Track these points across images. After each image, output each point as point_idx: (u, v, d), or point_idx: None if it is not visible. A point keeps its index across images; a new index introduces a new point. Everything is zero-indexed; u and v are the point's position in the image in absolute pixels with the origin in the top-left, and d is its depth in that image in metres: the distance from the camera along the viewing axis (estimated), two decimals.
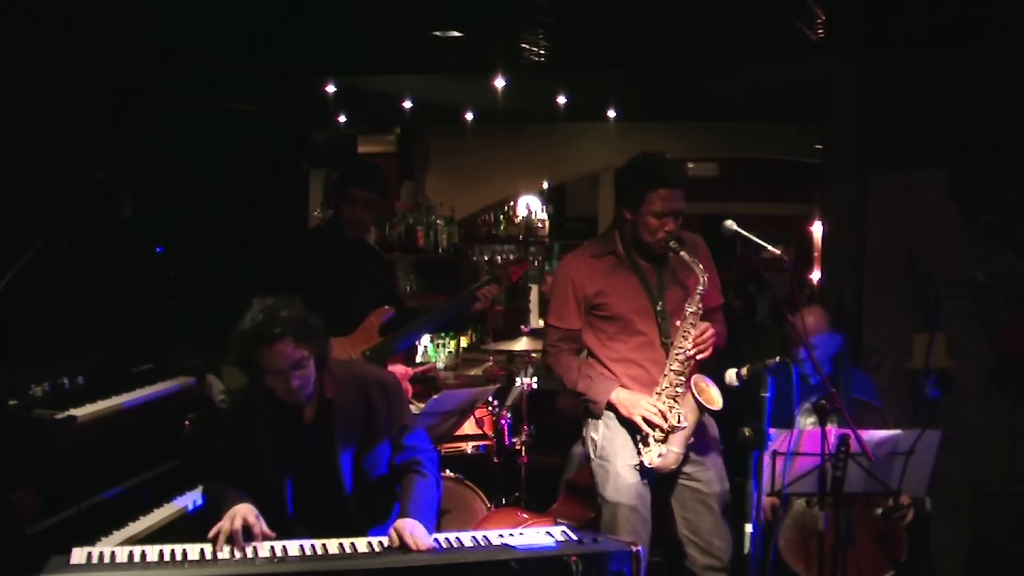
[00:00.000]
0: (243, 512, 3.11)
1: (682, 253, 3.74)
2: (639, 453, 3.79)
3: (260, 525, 3.11)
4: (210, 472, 3.44)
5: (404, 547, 3.06)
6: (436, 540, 3.18)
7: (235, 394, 3.52)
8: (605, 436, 3.88)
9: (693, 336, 3.74)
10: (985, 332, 5.15)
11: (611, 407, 3.84)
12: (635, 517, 3.79)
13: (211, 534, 3.06)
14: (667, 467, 3.79)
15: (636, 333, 3.85)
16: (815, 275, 8.15)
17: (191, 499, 3.97)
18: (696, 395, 3.69)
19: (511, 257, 9.01)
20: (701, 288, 3.75)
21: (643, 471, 3.81)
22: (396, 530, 3.12)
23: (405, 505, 3.27)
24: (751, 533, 3.45)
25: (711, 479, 3.88)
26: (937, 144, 5.16)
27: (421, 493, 3.32)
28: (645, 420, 3.75)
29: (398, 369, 4.89)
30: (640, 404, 3.76)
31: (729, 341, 4.06)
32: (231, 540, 3.05)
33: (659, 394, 3.77)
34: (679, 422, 3.73)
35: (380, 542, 3.15)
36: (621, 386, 3.83)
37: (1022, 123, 5.02)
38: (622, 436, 3.84)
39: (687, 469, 3.86)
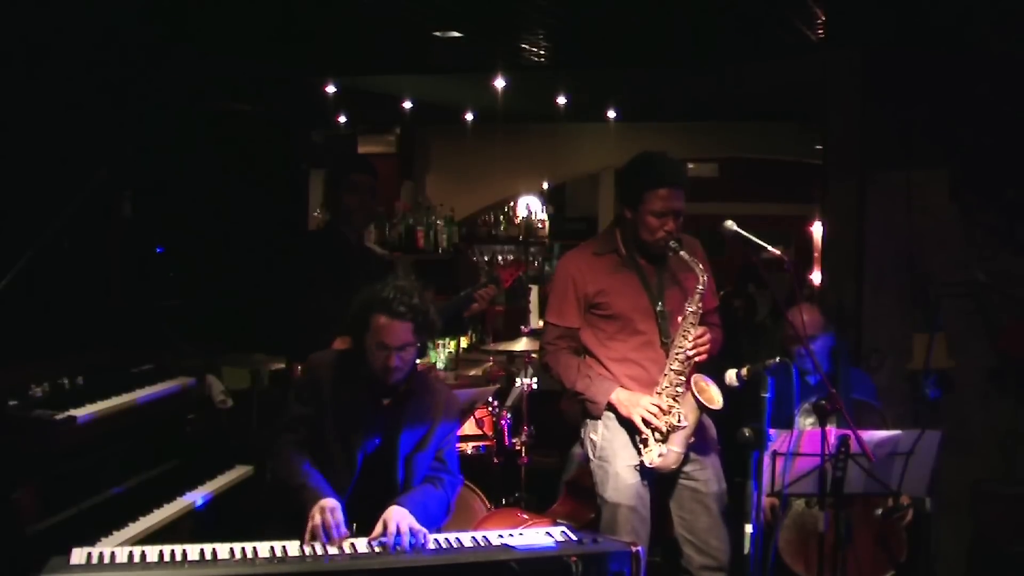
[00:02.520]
0: (331, 506, 3.18)
1: (682, 253, 3.74)
2: (639, 453, 3.79)
3: (342, 525, 3.19)
4: (282, 434, 3.47)
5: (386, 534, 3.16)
6: (436, 540, 3.19)
7: (320, 359, 3.56)
8: (604, 437, 3.87)
9: (693, 336, 3.74)
10: (985, 332, 5.15)
11: (611, 407, 3.84)
12: (635, 517, 3.79)
13: (308, 532, 3.13)
14: (668, 467, 3.79)
15: (636, 333, 3.84)
16: (815, 275, 8.15)
17: (191, 499, 3.97)
18: (696, 394, 3.69)
19: (509, 258, 9.01)
20: (701, 288, 3.74)
21: (643, 471, 3.80)
22: (383, 518, 3.21)
23: (404, 497, 3.33)
24: (751, 533, 3.45)
25: (709, 479, 3.87)
26: (937, 144, 5.16)
27: (427, 497, 3.40)
28: (644, 420, 3.75)
29: None
30: (640, 404, 3.75)
31: (728, 342, 4.06)
32: (320, 533, 3.13)
33: (659, 393, 3.76)
34: (679, 422, 3.73)
35: (380, 541, 3.15)
36: (621, 386, 3.83)
37: (1022, 123, 5.02)
38: (622, 437, 3.84)
39: (686, 468, 3.85)
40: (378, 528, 3.20)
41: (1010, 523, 4.96)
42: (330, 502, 3.21)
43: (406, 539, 3.13)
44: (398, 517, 3.19)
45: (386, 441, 3.46)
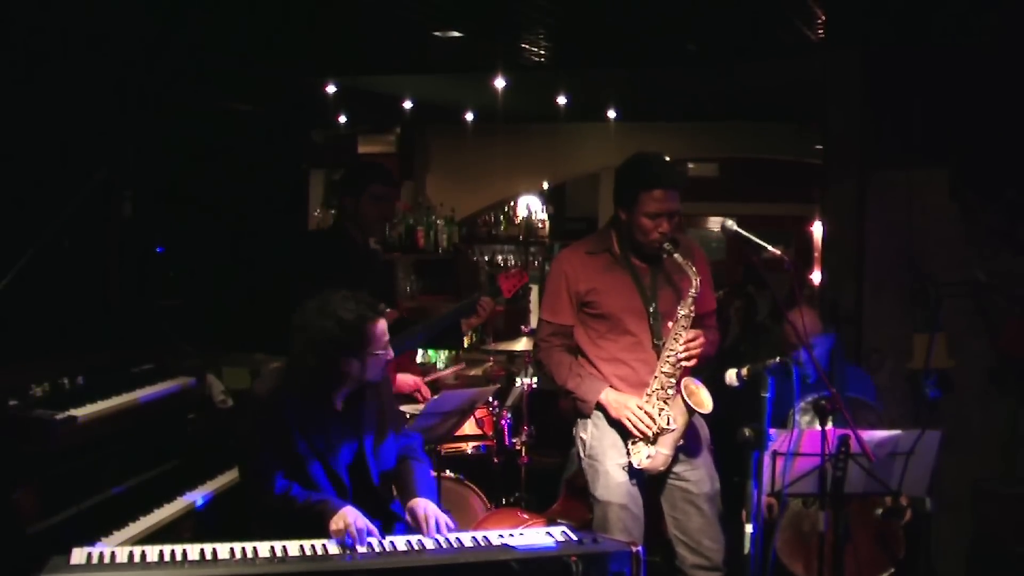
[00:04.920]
0: (354, 515, 3.18)
1: (676, 255, 3.73)
2: (628, 454, 3.79)
3: (370, 525, 3.21)
4: (258, 468, 3.40)
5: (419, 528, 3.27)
6: (436, 540, 3.20)
7: (265, 390, 3.51)
8: (594, 435, 3.87)
9: (685, 339, 3.73)
10: (985, 332, 5.15)
11: (600, 407, 3.84)
12: (626, 515, 3.79)
13: (334, 533, 3.14)
14: (656, 469, 3.78)
15: (626, 333, 3.83)
16: (815, 275, 8.15)
17: (192, 499, 3.97)
18: (686, 398, 3.68)
19: (511, 267, 9.02)
20: (694, 291, 3.72)
21: (632, 472, 3.80)
22: (410, 511, 3.32)
23: (412, 488, 3.42)
24: (751, 533, 3.45)
25: (701, 479, 3.87)
26: (937, 144, 5.16)
27: (424, 476, 3.50)
28: (633, 423, 3.74)
29: (407, 378, 4.94)
30: (629, 407, 3.75)
31: (724, 344, 4.05)
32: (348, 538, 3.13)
33: (649, 396, 3.75)
34: (668, 424, 3.72)
35: (380, 542, 3.16)
36: (610, 386, 3.82)
37: (1022, 123, 5.02)
38: (611, 436, 3.83)
39: (676, 469, 3.85)
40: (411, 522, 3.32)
41: (1010, 523, 4.96)
42: (351, 509, 3.21)
43: (444, 528, 3.25)
44: (429, 509, 3.30)
45: (357, 444, 3.46)
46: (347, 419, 3.45)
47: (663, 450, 3.75)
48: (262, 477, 3.36)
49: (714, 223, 11.43)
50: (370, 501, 3.40)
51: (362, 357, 3.33)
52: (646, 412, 3.72)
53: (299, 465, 3.37)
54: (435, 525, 3.26)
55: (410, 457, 3.58)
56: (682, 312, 3.74)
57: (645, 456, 3.75)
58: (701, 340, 3.74)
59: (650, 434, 3.73)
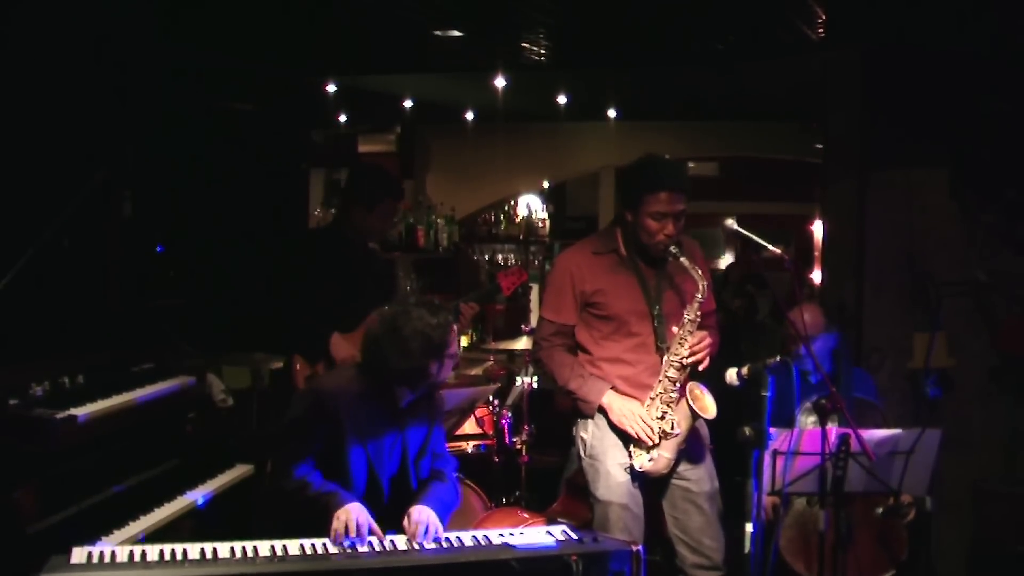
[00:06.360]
0: (358, 511, 3.19)
1: (682, 259, 3.72)
2: (630, 456, 3.79)
3: (372, 525, 3.22)
4: (288, 455, 3.40)
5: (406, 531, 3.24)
6: (436, 540, 3.20)
7: (332, 386, 3.51)
8: (595, 435, 3.86)
9: (690, 344, 3.73)
10: (985, 331, 5.15)
11: (602, 409, 3.83)
12: (627, 515, 3.79)
13: (332, 535, 3.15)
14: (658, 471, 3.78)
15: (631, 335, 3.82)
16: (815, 275, 8.15)
17: (192, 498, 3.97)
18: (691, 402, 3.67)
19: (511, 264, 9.01)
20: (700, 296, 3.71)
21: (634, 474, 3.80)
22: (407, 514, 3.28)
23: (421, 497, 3.39)
24: (751, 533, 3.45)
25: (700, 478, 3.86)
26: (937, 144, 5.16)
27: (440, 493, 3.46)
28: (635, 432, 3.74)
29: None
30: (632, 415, 3.74)
31: (727, 341, 4.05)
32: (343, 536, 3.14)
33: (653, 399, 3.75)
34: (672, 429, 3.72)
35: (380, 541, 3.16)
36: (612, 386, 3.81)
37: (1022, 123, 5.02)
38: (612, 436, 3.83)
39: (676, 468, 3.84)
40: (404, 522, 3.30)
41: (1011, 522, 4.97)
42: (356, 505, 3.22)
43: (430, 532, 3.22)
44: (423, 514, 3.28)
45: (400, 448, 3.48)
46: (402, 426, 3.46)
47: (665, 453, 3.75)
48: (290, 460, 3.36)
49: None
50: (404, 509, 3.39)
51: (442, 359, 3.35)
52: (647, 423, 3.72)
53: (342, 465, 3.37)
54: (423, 531, 3.22)
55: (436, 478, 3.55)
56: (688, 317, 3.73)
57: (647, 459, 3.75)
58: (707, 342, 3.74)
59: (651, 443, 3.73)
